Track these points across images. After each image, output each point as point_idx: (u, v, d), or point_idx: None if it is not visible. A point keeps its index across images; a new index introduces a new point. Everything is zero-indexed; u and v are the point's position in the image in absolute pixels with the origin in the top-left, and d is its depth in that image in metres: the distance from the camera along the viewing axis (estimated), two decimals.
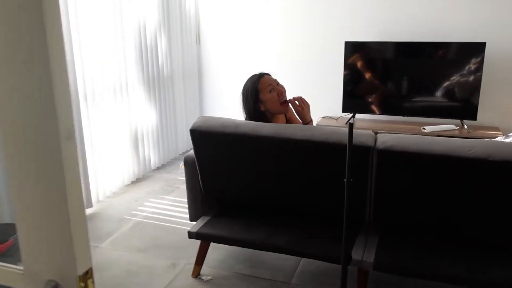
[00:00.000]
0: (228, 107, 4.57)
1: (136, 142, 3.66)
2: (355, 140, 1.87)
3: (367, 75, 3.92)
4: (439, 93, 3.77)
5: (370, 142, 1.95)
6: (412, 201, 1.93)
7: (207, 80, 4.71)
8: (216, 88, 4.70)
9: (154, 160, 3.98)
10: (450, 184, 1.84)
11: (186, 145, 4.48)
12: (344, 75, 3.93)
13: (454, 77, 3.68)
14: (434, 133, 3.67)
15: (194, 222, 2.33)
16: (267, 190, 2.20)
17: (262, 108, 2.25)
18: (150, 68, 3.77)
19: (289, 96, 2.32)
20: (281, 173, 2.12)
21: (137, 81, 3.62)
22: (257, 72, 2.32)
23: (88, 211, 3.10)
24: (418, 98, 3.83)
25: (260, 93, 2.22)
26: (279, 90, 2.25)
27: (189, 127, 2.18)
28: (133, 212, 3.13)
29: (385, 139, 1.94)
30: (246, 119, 2.28)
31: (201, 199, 2.41)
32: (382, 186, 1.94)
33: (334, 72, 4.22)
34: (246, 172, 2.20)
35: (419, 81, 3.82)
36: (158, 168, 4.03)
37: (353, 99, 3.99)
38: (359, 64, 3.89)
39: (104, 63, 3.22)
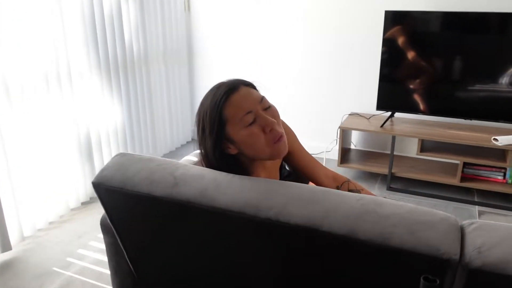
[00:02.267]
0: None
1: (89, 150, 2.67)
2: (417, 241, 0.84)
3: (411, 56, 2.77)
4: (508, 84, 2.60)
5: (448, 246, 0.88)
6: None
7: (200, 61, 3.64)
8: (213, 71, 3.63)
9: None
10: None
11: (170, 145, 3.48)
12: (382, 53, 2.79)
13: None
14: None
15: None
16: None
17: (232, 151, 1.17)
18: (111, 48, 2.73)
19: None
20: (257, 274, 1.10)
21: (88, 67, 2.59)
22: (229, 77, 1.21)
23: (1, 257, 2.17)
24: (481, 93, 2.68)
25: (228, 126, 1.12)
26: (266, 121, 1.13)
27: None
28: (68, 259, 2.18)
29: (484, 240, 0.87)
30: (203, 161, 1.22)
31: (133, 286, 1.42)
32: None
33: (368, 52, 3.09)
34: (193, 259, 1.19)
35: (482, 67, 2.65)
36: None
37: (392, 91, 2.87)
38: (400, 41, 2.75)
39: (32, 46, 2.21)
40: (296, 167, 1.40)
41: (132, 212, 1.18)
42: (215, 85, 1.16)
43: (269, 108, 1.16)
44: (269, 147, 1.13)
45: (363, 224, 0.91)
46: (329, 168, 1.53)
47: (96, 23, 2.58)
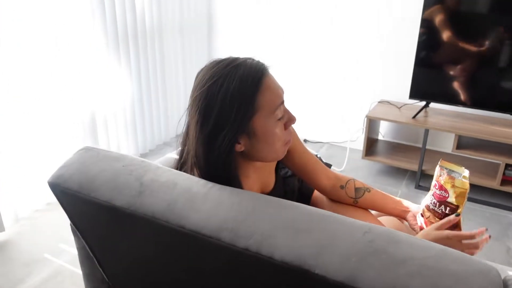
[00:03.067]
0: None
1: (93, 129, 2.50)
2: None
3: (452, 39, 2.44)
4: None
5: None
6: None
7: (220, 37, 3.39)
8: (234, 48, 3.38)
9: (130, 149, 2.84)
10: None
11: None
12: (420, 35, 2.47)
13: None
14: None
15: None
16: None
17: (240, 148, 0.92)
18: (120, 17, 2.53)
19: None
20: None
21: (94, 39, 2.40)
22: (247, 54, 0.94)
23: None
24: None
25: (257, 116, 0.89)
26: (291, 116, 0.95)
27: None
28: (61, 246, 2.04)
29: None
30: (190, 164, 0.98)
31: None
32: None
33: (403, 33, 2.76)
34: (160, 275, 0.99)
35: None
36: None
37: (428, 78, 2.55)
38: (441, 21, 2.42)
39: (34, 18, 2.03)
40: (294, 166, 1.17)
41: (93, 218, 0.98)
42: (222, 61, 0.91)
43: (283, 103, 0.94)
44: (281, 148, 0.95)
45: (367, 270, 0.68)
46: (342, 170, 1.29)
47: None
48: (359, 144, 2.96)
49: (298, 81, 3.17)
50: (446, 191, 1.04)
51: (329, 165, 1.42)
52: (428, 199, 1.11)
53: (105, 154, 0.99)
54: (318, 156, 1.43)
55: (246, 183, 0.98)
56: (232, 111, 0.86)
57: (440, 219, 1.06)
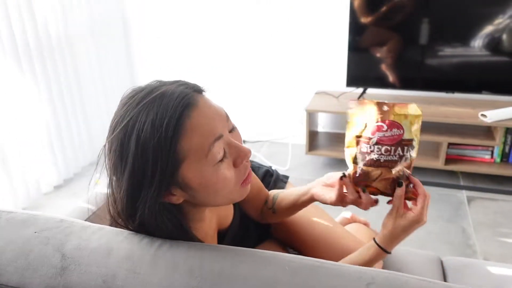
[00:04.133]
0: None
1: (3, 161, 2.15)
2: None
3: (375, 18, 2.40)
4: (486, 46, 2.29)
5: None
6: None
7: (137, 34, 3.11)
8: (159, 48, 3.11)
9: (52, 176, 2.50)
10: None
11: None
12: (350, 17, 2.39)
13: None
14: (501, 124, 2.24)
15: None
16: None
17: (177, 200, 0.70)
18: (17, 27, 2.18)
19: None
20: None
21: None
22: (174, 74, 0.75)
23: None
24: (454, 58, 2.35)
25: (183, 167, 0.66)
26: (240, 150, 0.70)
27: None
28: None
29: None
30: (115, 215, 0.76)
31: None
32: None
33: (333, 18, 2.67)
34: None
35: (452, 28, 2.30)
36: (56, 189, 2.55)
37: (363, 63, 2.49)
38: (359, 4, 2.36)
39: None
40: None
41: None
42: (137, 93, 0.67)
43: (234, 129, 0.73)
44: (236, 191, 0.72)
45: None
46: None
47: None
48: (301, 138, 2.86)
49: (230, 80, 2.99)
50: (399, 127, 0.77)
51: (286, 177, 1.26)
52: (363, 155, 0.80)
53: (8, 218, 0.74)
54: (273, 168, 1.26)
55: (199, 228, 0.78)
56: (147, 166, 0.64)
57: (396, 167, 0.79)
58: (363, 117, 0.79)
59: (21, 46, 2.19)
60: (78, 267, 0.65)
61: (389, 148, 0.77)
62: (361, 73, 2.52)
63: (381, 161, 0.78)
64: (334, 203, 0.85)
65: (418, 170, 2.51)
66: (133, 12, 3.02)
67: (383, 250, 0.84)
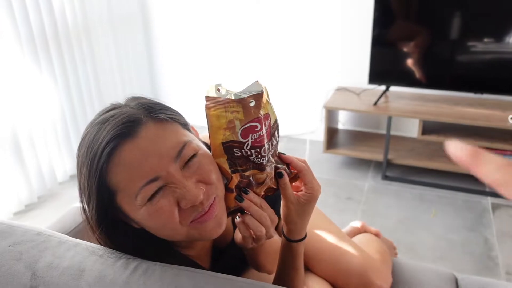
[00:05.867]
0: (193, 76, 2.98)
1: (16, 147, 2.16)
2: None
3: (404, 12, 2.27)
4: None
5: None
6: None
7: (158, 27, 3.07)
8: (179, 39, 3.07)
9: (66, 168, 2.51)
10: None
11: None
12: (374, 10, 2.27)
13: None
14: None
15: None
16: None
17: (134, 225, 0.65)
18: (35, 17, 2.16)
19: None
20: None
21: (7, 46, 2.04)
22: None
23: None
24: (486, 55, 2.20)
25: (119, 198, 0.61)
26: (185, 193, 0.59)
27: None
28: None
29: None
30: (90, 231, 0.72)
31: None
32: None
33: (356, 10, 2.56)
34: None
35: (487, 23, 2.16)
36: (72, 178, 2.56)
37: (387, 59, 2.38)
38: None
39: None
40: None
41: None
42: (98, 114, 0.65)
43: (194, 157, 0.63)
44: (186, 227, 0.63)
45: None
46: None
47: None
48: (319, 135, 2.77)
49: (250, 73, 2.91)
50: (268, 116, 0.63)
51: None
52: (238, 162, 0.65)
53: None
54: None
55: (190, 245, 0.74)
56: (87, 189, 0.62)
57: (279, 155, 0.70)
58: (225, 117, 0.61)
59: (37, 35, 2.18)
60: (46, 287, 0.61)
61: (266, 146, 0.64)
62: (385, 70, 2.40)
63: (277, 153, 0.69)
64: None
65: (442, 173, 2.39)
66: (154, 1, 2.97)
67: (298, 241, 0.74)
